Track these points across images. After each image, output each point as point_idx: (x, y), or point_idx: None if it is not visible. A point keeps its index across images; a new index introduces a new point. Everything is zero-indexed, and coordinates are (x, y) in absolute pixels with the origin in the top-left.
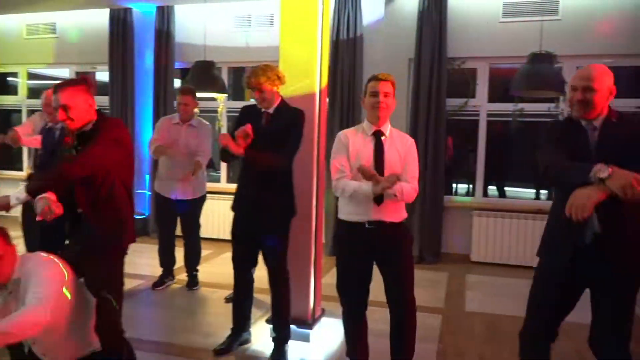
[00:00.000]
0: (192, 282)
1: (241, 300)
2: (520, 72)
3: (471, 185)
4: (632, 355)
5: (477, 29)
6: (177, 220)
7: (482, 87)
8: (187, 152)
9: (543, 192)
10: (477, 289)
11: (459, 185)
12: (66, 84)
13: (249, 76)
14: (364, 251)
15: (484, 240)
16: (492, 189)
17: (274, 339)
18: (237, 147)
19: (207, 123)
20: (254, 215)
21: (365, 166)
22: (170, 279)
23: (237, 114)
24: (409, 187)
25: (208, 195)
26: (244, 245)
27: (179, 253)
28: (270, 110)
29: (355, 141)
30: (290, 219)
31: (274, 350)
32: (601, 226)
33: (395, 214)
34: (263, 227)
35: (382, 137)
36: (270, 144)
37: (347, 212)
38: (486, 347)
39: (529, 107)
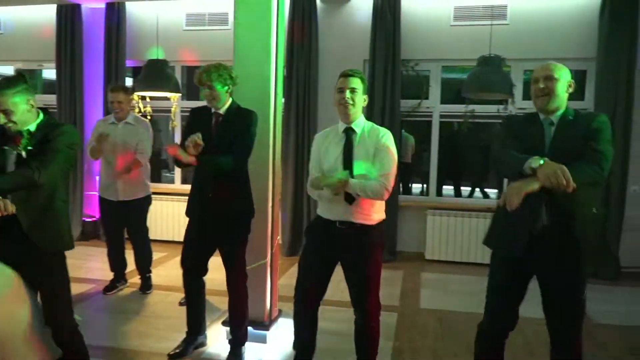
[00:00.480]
0: (145, 285)
1: (194, 303)
2: (471, 74)
3: (425, 185)
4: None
5: (430, 32)
6: (123, 222)
7: (435, 89)
8: (126, 152)
9: (491, 191)
10: (431, 286)
11: (414, 185)
12: (4, 86)
13: (200, 72)
14: (331, 249)
15: (438, 239)
16: (449, 189)
17: (230, 341)
18: (187, 157)
19: (146, 120)
20: (210, 218)
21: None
22: (123, 283)
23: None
24: (374, 184)
25: (162, 197)
26: (198, 249)
27: (131, 256)
28: (221, 111)
29: (325, 141)
30: (248, 221)
31: (230, 352)
32: (549, 218)
33: (367, 215)
34: (220, 230)
35: (353, 135)
36: (222, 146)
37: (322, 209)
38: (439, 343)
39: (480, 109)
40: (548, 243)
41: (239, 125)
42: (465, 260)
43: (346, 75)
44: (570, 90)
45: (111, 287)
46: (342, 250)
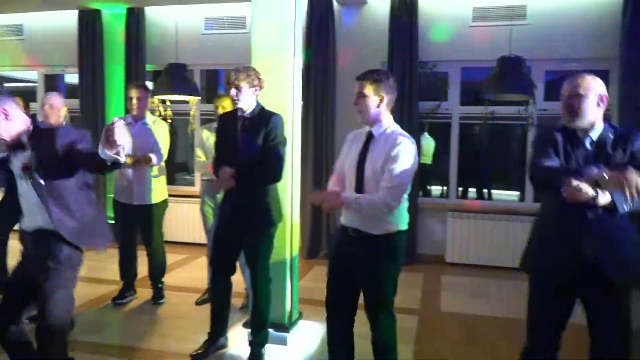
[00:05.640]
0: (157, 295)
1: (220, 304)
2: (490, 75)
3: (445, 187)
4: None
5: (448, 33)
6: (137, 228)
7: (454, 91)
8: (142, 153)
9: (510, 193)
10: (452, 289)
11: (434, 187)
12: None
13: (230, 72)
14: (345, 256)
15: (458, 242)
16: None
17: (250, 343)
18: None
19: (163, 122)
20: (237, 217)
21: None
22: (132, 294)
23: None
24: (373, 199)
25: (181, 199)
26: (225, 249)
27: (144, 264)
28: (248, 115)
29: (352, 142)
30: (273, 225)
31: (250, 354)
32: (594, 246)
33: (374, 224)
34: (246, 229)
35: (371, 139)
36: (248, 149)
37: (341, 214)
38: (462, 347)
39: (500, 110)
40: (595, 267)
41: (265, 130)
42: (486, 263)
43: (357, 79)
44: (602, 105)
45: (120, 296)
46: (352, 258)
